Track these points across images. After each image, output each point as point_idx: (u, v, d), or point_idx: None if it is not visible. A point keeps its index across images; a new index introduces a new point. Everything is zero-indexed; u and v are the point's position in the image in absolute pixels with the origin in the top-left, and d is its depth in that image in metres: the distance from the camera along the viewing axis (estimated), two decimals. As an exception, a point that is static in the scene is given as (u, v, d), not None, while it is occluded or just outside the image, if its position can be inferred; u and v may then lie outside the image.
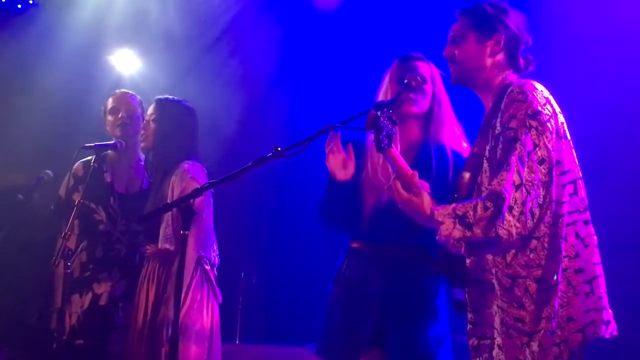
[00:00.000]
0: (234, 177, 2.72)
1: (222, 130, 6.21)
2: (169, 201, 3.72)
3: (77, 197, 3.97)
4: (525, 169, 2.43)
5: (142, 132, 4.10)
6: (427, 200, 2.53)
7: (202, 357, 3.71)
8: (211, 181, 2.86)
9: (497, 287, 2.52)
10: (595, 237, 2.54)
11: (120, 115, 4.27)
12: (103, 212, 4.20)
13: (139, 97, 4.43)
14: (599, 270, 2.51)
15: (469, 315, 2.64)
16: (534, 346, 2.42)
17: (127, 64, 6.61)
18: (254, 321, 6.37)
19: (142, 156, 4.35)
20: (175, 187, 3.81)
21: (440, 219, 2.46)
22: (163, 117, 4.01)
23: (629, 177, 5.16)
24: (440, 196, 2.74)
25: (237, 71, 6.60)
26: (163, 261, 3.85)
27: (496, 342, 2.51)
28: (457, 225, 2.42)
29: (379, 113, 2.61)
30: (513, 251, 2.49)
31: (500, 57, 2.73)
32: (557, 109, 2.60)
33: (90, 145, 4.08)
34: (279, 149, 2.67)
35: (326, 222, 3.39)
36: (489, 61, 2.72)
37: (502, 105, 2.57)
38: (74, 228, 3.85)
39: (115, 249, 4.18)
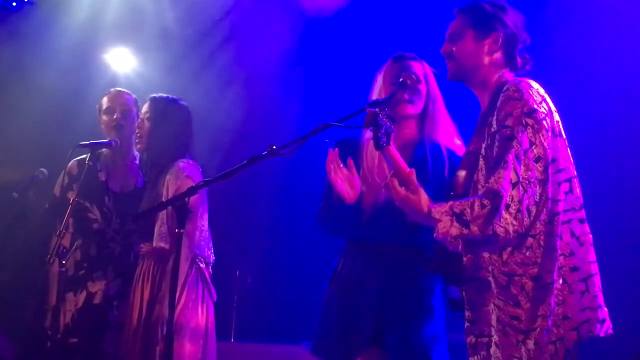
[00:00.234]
0: (229, 176, 2.71)
1: (218, 129, 6.22)
2: (163, 199, 3.71)
3: (71, 196, 3.97)
4: (522, 167, 2.44)
5: (137, 132, 4.09)
6: (424, 198, 2.53)
7: (196, 356, 3.70)
8: (206, 179, 2.86)
9: (493, 285, 2.53)
10: (590, 236, 2.54)
11: (115, 116, 4.25)
12: (97, 210, 4.19)
13: (134, 95, 4.41)
14: (595, 268, 2.51)
15: (467, 313, 2.64)
16: (530, 344, 2.42)
17: (122, 62, 6.61)
18: (249, 319, 6.38)
19: (137, 155, 4.33)
20: (170, 186, 3.81)
21: (437, 217, 2.46)
22: (157, 116, 4.00)
23: (624, 176, 5.18)
24: (437, 195, 2.75)
25: (233, 70, 6.61)
26: (158, 260, 3.84)
27: (493, 340, 2.51)
28: (455, 223, 2.43)
29: (378, 110, 2.61)
30: (509, 249, 2.49)
31: (497, 55, 2.73)
32: (553, 107, 2.61)
33: (85, 144, 4.07)
34: (274, 147, 2.66)
35: (327, 232, 3.39)
36: (486, 59, 2.73)
37: (498, 103, 2.57)
38: (68, 226, 3.84)
39: (110, 247, 4.17)
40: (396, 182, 2.55)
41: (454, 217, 2.43)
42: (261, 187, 6.64)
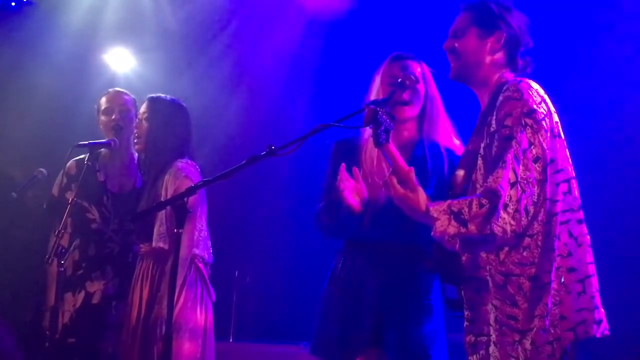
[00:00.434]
0: (227, 176, 2.71)
1: (216, 129, 6.23)
2: (162, 200, 3.72)
3: (70, 196, 3.97)
4: (521, 167, 2.44)
5: (135, 132, 4.09)
6: (422, 196, 2.53)
7: (195, 356, 3.70)
8: (205, 179, 2.86)
9: (490, 284, 2.53)
10: (588, 237, 2.55)
11: (113, 117, 4.26)
12: (96, 210, 4.19)
13: (132, 96, 4.41)
14: (592, 269, 2.51)
15: (466, 312, 2.65)
16: (527, 344, 2.42)
17: (121, 62, 6.60)
18: (248, 319, 6.38)
19: (135, 155, 4.34)
20: (168, 186, 3.81)
21: (435, 215, 2.46)
22: (155, 116, 4.00)
23: (623, 177, 5.19)
24: (436, 194, 2.75)
25: (232, 70, 6.61)
26: (157, 260, 3.84)
27: (492, 339, 2.52)
28: (452, 222, 2.43)
29: (377, 108, 2.61)
30: (506, 249, 2.50)
31: (499, 55, 2.74)
32: (552, 108, 2.61)
33: (83, 144, 4.08)
34: (273, 147, 2.66)
35: (327, 235, 3.39)
36: (488, 58, 2.73)
37: (498, 103, 2.57)
38: (67, 226, 3.84)
39: (108, 247, 4.18)
40: (395, 180, 2.55)
41: (452, 216, 2.43)
42: (260, 188, 6.63)
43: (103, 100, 4.34)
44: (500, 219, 2.38)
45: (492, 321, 2.52)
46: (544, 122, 2.51)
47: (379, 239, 3.24)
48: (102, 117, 4.30)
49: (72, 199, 3.84)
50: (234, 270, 6.38)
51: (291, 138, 2.67)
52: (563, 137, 2.59)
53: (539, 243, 2.47)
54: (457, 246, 2.48)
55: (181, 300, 3.66)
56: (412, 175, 2.57)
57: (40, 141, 5.77)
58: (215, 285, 3.90)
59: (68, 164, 4.25)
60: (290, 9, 6.40)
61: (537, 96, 2.56)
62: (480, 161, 2.61)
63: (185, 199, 2.76)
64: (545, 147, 2.49)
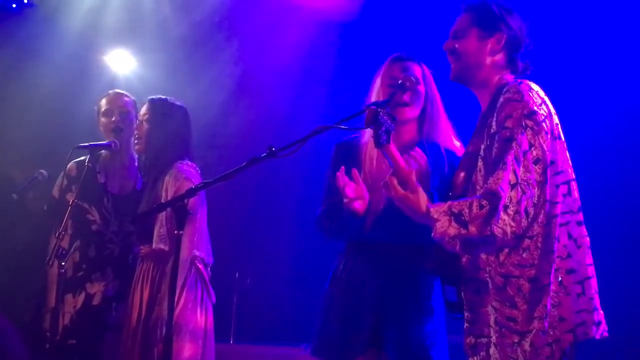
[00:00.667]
0: (228, 177, 2.72)
1: (216, 130, 6.23)
2: (162, 201, 3.72)
3: (70, 197, 3.97)
4: (521, 169, 2.44)
5: (135, 133, 4.09)
6: (423, 197, 2.53)
7: (195, 357, 3.71)
8: (205, 181, 2.86)
9: (490, 286, 2.53)
10: (587, 238, 2.55)
11: (113, 118, 4.26)
12: (96, 212, 4.19)
13: (133, 97, 4.42)
14: (591, 271, 2.52)
15: (466, 314, 2.65)
16: (526, 345, 2.42)
17: (122, 63, 6.61)
18: (249, 321, 6.38)
19: (136, 156, 4.34)
20: (169, 187, 3.81)
21: (435, 216, 2.46)
22: (156, 118, 4.01)
23: (623, 179, 5.19)
24: (437, 195, 2.75)
25: (232, 71, 6.61)
26: (157, 261, 3.84)
27: (492, 341, 2.52)
28: (453, 223, 2.43)
29: (379, 109, 2.61)
30: (506, 250, 2.50)
31: (499, 56, 2.74)
32: (552, 110, 2.61)
33: (84, 145, 4.08)
34: (273, 149, 2.67)
35: (328, 237, 3.39)
36: (488, 59, 2.73)
37: (498, 105, 2.58)
38: (67, 228, 3.84)
39: (108, 248, 4.18)
40: (395, 181, 2.55)
41: (452, 217, 2.43)
42: (260, 189, 6.63)
43: (103, 102, 4.34)
44: (500, 221, 2.39)
45: (492, 323, 2.52)
46: (544, 124, 2.51)
47: (380, 240, 3.24)
48: (103, 119, 4.30)
49: (73, 201, 3.85)
50: (234, 272, 6.38)
51: (292, 139, 2.67)
52: (563, 139, 2.59)
53: (539, 244, 2.47)
54: (458, 247, 2.48)
55: (181, 301, 3.67)
56: (413, 176, 2.57)
57: (41, 142, 5.78)
58: (215, 287, 3.90)
59: (68, 165, 4.25)
60: (292, 11, 6.40)
61: (538, 98, 2.57)
62: (480, 162, 2.61)
63: (186, 201, 2.76)
64: (546, 149, 2.49)
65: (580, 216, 2.56)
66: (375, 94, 3.30)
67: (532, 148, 2.47)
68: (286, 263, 6.57)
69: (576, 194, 2.57)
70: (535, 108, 2.52)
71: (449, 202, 2.48)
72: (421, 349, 3.14)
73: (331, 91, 6.17)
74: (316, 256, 4.55)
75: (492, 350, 2.52)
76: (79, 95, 5.81)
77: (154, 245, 3.83)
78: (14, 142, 5.78)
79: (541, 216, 2.47)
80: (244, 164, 2.69)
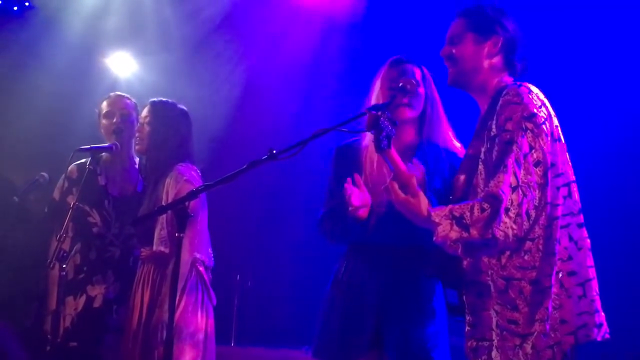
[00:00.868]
0: (229, 180, 2.71)
1: (217, 133, 6.23)
2: (163, 204, 3.72)
3: (71, 200, 3.97)
4: (522, 171, 2.44)
5: (136, 135, 4.10)
6: (424, 201, 2.53)
7: (196, 360, 3.71)
8: (206, 184, 2.86)
9: (492, 289, 2.53)
10: (588, 240, 2.55)
11: (115, 120, 4.26)
12: (97, 214, 4.20)
13: (134, 100, 4.42)
14: (592, 273, 2.52)
15: (467, 317, 2.64)
16: (528, 348, 2.42)
17: (123, 66, 6.62)
18: (250, 323, 6.37)
19: (136, 159, 4.35)
20: (169, 190, 3.82)
21: (437, 220, 2.46)
22: (157, 120, 4.01)
23: (623, 181, 5.19)
24: (438, 197, 2.75)
25: (233, 74, 6.61)
26: (158, 264, 3.85)
27: (494, 344, 2.52)
28: (454, 227, 2.43)
29: (379, 113, 2.62)
30: (508, 253, 2.50)
31: (497, 59, 2.74)
32: (552, 112, 2.61)
33: (85, 148, 4.08)
34: (274, 151, 2.67)
35: (330, 240, 3.39)
36: (485, 63, 2.73)
37: (498, 107, 2.57)
38: (68, 230, 3.84)
39: (109, 251, 4.18)
40: (396, 186, 2.55)
41: (454, 221, 2.43)
42: (261, 192, 6.63)
43: (104, 104, 4.35)
44: (502, 223, 2.38)
45: (494, 326, 2.52)
46: (544, 126, 2.51)
47: (381, 243, 3.24)
48: (104, 121, 4.30)
49: (74, 203, 3.85)
50: (235, 274, 6.38)
51: (292, 142, 2.67)
52: (563, 141, 2.60)
53: (540, 247, 2.47)
54: (459, 251, 2.48)
55: (182, 304, 3.66)
56: (413, 180, 2.57)
57: (42, 145, 5.79)
58: (216, 289, 3.90)
59: (69, 168, 4.26)
60: (293, 13, 6.40)
61: (537, 100, 2.57)
62: (481, 165, 2.61)
63: (187, 203, 2.77)
64: (546, 151, 2.49)
65: (581, 218, 2.56)
66: (375, 97, 3.30)
67: (533, 150, 2.47)
68: (287, 265, 6.57)
69: (577, 196, 2.56)
70: (535, 110, 2.52)
71: (450, 206, 2.48)
72: (422, 352, 3.14)
73: (333, 93, 6.17)
74: (317, 258, 4.55)
75: (494, 353, 2.52)
76: (80, 98, 5.83)
77: (154, 248, 3.84)
78: (15, 144, 5.79)
79: (542, 218, 2.47)
80: (244, 167, 2.69)
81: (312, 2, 6.36)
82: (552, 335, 2.43)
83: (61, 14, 6.23)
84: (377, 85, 3.34)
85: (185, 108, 4.13)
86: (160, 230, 3.83)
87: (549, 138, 2.52)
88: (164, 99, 4.11)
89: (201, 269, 3.80)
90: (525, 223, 2.42)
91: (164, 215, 3.75)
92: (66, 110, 5.95)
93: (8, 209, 4.86)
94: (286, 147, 2.67)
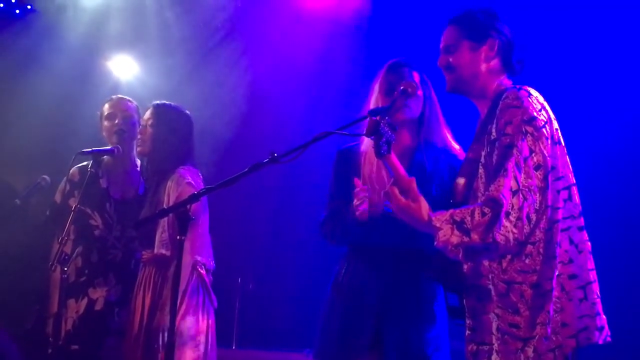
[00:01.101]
0: (230, 183, 2.72)
1: (219, 136, 6.23)
2: (164, 206, 3.72)
3: (73, 203, 3.98)
4: (522, 175, 2.44)
5: (138, 137, 4.10)
6: (424, 206, 2.53)
7: (197, 363, 3.71)
8: (208, 187, 2.87)
9: (493, 293, 2.53)
10: (589, 243, 2.55)
11: (116, 122, 4.27)
12: (99, 217, 4.20)
13: (135, 102, 4.43)
14: (593, 276, 2.52)
15: (468, 321, 2.64)
16: (529, 352, 2.42)
17: (124, 69, 6.63)
18: (251, 326, 6.37)
19: (138, 162, 4.35)
20: (171, 193, 3.82)
21: (438, 225, 2.46)
22: (160, 123, 4.02)
23: (623, 183, 5.19)
24: (437, 199, 2.75)
25: (235, 76, 6.62)
26: (159, 266, 3.85)
27: (494, 348, 2.51)
28: (455, 231, 2.43)
29: (379, 119, 2.62)
30: (509, 257, 2.50)
31: (494, 62, 2.74)
32: (552, 115, 2.62)
33: (86, 151, 4.08)
34: (276, 154, 2.67)
35: (331, 242, 3.40)
36: (483, 67, 2.73)
37: (498, 111, 2.58)
38: (69, 233, 3.84)
39: (111, 254, 4.18)
40: (397, 191, 2.55)
41: (455, 226, 2.43)
42: (263, 194, 6.63)
43: (106, 106, 4.35)
44: (502, 228, 2.39)
45: (494, 330, 2.52)
46: (544, 130, 2.52)
47: (381, 245, 3.25)
48: (106, 123, 4.31)
49: (75, 206, 3.85)
50: (236, 277, 6.38)
51: (294, 145, 2.68)
52: (563, 144, 2.60)
53: (541, 250, 2.47)
54: (460, 255, 2.48)
55: (183, 307, 3.67)
56: (414, 185, 2.57)
57: (44, 148, 5.80)
58: (217, 292, 3.90)
59: (71, 170, 4.25)
60: (295, 15, 6.41)
61: (537, 103, 2.57)
62: (481, 169, 2.61)
63: (188, 206, 2.77)
64: (546, 155, 2.49)
65: (582, 221, 2.56)
66: (374, 101, 3.32)
67: (533, 154, 2.48)
68: (288, 268, 6.56)
69: (577, 199, 2.57)
70: (535, 114, 2.52)
71: (451, 210, 2.48)
72: (422, 355, 3.14)
73: (338, 97, 6.17)
74: (319, 261, 4.55)
75: (494, 357, 2.52)
76: (81, 101, 5.83)
77: (155, 251, 3.84)
78: (17, 146, 5.80)
79: (543, 222, 2.47)
80: (246, 170, 2.70)
81: (316, 6, 6.36)
82: (554, 338, 2.43)
83: (63, 17, 6.24)
84: (376, 89, 3.35)
85: (187, 111, 4.14)
86: (162, 233, 3.83)
87: (549, 141, 2.52)
88: (167, 102, 4.12)
89: (202, 271, 3.80)
90: (526, 227, 2.42)
91: (166, 218, 3.75)
92: (68, 112, 5.96)
93: (9, 211, 4.87)
94: (288, 150, 2.68)
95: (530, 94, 2.58)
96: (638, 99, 5.24)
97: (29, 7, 6.28)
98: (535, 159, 2.48)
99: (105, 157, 4.27)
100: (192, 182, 3.84)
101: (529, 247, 2.47)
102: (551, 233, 2.48)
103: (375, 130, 2.62)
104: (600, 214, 4.33)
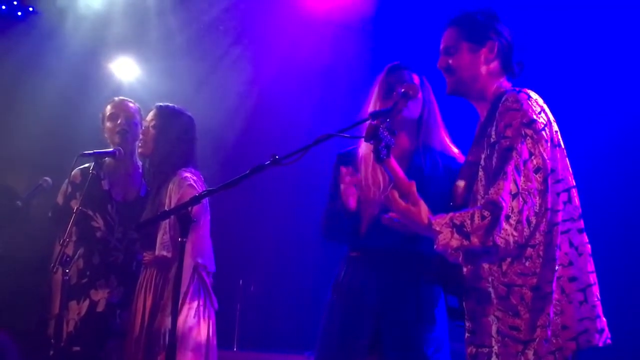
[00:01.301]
0: (232, 185, 2.73)
1: (221, 138, 6.24)
2: (166, 208, 3.73)
3: (74, 204, 3.98)
4: (522, 178, 2.44)
5: (140, 138, 4.11)
6: (424, 209, 2.53)
7: (198, 364, 3.71)
8: (209, 189, 2.87)
9: (493, 295, 2.53)
10: (589, 246, 2.55)
11: (119, 122, 4.28)
12: (101, 219, 4.20)
13: (137, 104, 4.44)
14: (593, 278, 2.52)
15: (467, 324, 2.65)
16: (530, 354, 2.42)
17: (126, 71, 6.64)
18: (252, 328, 6.38)
19: (140, 163, 4.36)
20: (172, 195, 3.82)
21: (437, 229, 2.46)
22: (163, 124, 4.02)
23: (623, 185, 5.19)
24: (436, 201, 2.76)
25: (236, 78, 6.63)
26: (160, 268, 3.85)
27: (494, 351, 2.51)
28: (455, 235, 2.43)
29: (378, 123, 2.62)
30: (509, 260, 2.50)
31: (494, 64, 2.74)
32: (551, 118, 2.62)
33: (88, 153, 4.09)
34: (277, 157, 2.68)
35: (329, 239, 3.41)
36: (483, 69, 2.73)
37: (497, 114, 2.58)
38: (71, 235, 3.85)
39: (113, 255, 4.19)
40: (396, 194, 2.55)
41: (455, 229, 2.43)
42: (264, 197, 6.64)
43: (108, 107, 4.36)
44: (502, 231, 2.39)
45: (494, 332, 2.52)
46: (544, 132, 2.52)
47: (381, 247, 3.25)
48: (108, 124, 4.31)
49: (77, 208, 3.85)
50: (237, 279, 6.39)
51: (296, 147, 2.69)
52: (563, 146, 2.60)
53: (541, 253, 2.47)
54: (460, 258, 2.48)
55: (184, 309, 3.67)
56: (414, 188, 2.57)
57: (45, 149, 5.80)
58: (219, 294, 3.91)
59: (73, 172, 4.26)
60: (297, 17, 6.41)
61: (537, 106, 2.57)
62: (481, 172, 2.61)
63: (189, 208, 2.77)
64: (546, 157, 2.49)
65: (581, 223, 2.57)
66: (374, 104, 3.32)
67: (532, 157, 2.48)
68: (289, 270, 6.57)
69: (577, 201, 2.57)
70: (535, 116, 2.52)
71: (451, 214, 2.48)
72: (422, 357, 3.15)
73: (339, 97, 6.17)
74: (319, 263, 4.56)
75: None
76: (83, 103, 5.85)
77: (156, 253, 3.84)
78: (19, 148, 5.81)
79: (543, 224, 2.47)
80: (247, 172, 2.70)
81: (320, 8, 6.36)
82: (554, 341, 2.43)
83: (65, 19, 6.25)
84: (376, 92, 3.35)
85: (189, 113, 4.15)
86: (163, 234, 3.83)
87: (549, 144, 2.52)
88: (169, 104, 4.12)
89: (203, 274, 3.80)
90: (525, 230, 2.42)
91: (167, 220, 3.76)
92: (70, 114, 5.97)
93: (11, 213, 4.87)
94: (289, 153, 2.69)
95: (529, 97, 2.58)
96: (637, 101, 5.25)
97: (31, 9, 6.29)
98: (534, 161, 2.48)
99: (107, 158, 4.27)
100: (194, 184, 3.84)
101: (529, 250, 2.47)
102: (551, 236, 2.48)
103: (375, 134, 2.61)
104: (600, 216, 4.34)
